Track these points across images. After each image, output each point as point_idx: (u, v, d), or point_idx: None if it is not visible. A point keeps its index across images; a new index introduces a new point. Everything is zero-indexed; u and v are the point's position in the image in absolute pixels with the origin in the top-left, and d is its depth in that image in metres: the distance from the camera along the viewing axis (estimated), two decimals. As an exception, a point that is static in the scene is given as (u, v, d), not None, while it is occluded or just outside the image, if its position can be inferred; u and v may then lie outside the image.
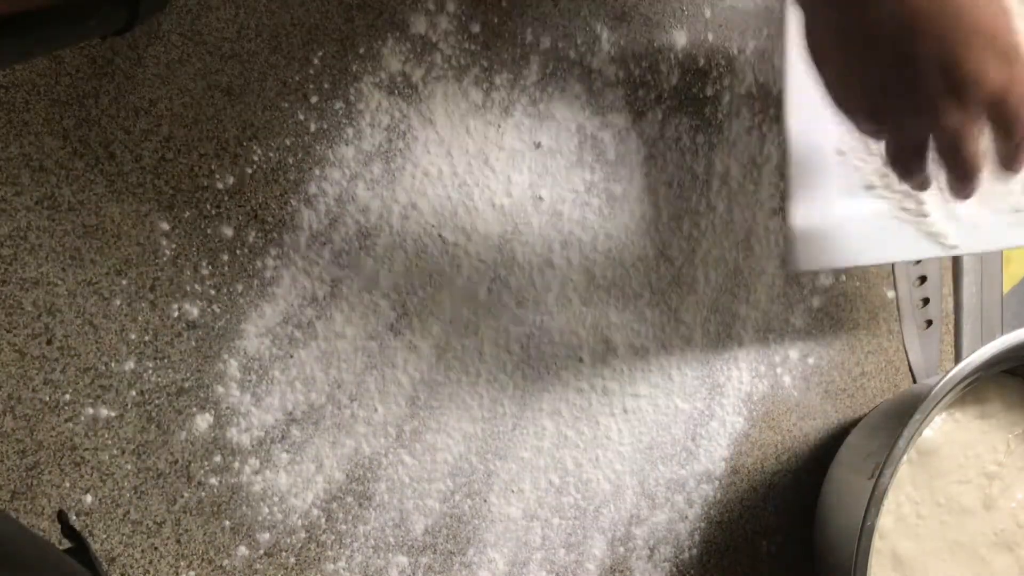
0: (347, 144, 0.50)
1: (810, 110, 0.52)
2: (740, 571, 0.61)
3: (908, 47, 0.34)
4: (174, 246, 0.47)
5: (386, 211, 0.51)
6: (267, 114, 0.48)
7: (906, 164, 0.38)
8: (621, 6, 0.56)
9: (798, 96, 0.52)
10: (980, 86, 0.34)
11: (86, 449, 0.46)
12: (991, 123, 0.35)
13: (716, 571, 0.60)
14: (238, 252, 0.48)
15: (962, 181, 0.37)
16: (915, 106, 0.35)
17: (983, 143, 0.36)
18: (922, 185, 0.39)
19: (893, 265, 0.64)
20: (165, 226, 0.46)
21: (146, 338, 0.46)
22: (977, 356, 0.53)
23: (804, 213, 0.53)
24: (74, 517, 0.45)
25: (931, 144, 0.37)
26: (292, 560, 0.50)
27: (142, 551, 0.47)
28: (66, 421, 0.45)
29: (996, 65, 0.34)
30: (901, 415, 0.53)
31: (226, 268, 0.48)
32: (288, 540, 0.50)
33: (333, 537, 0.51)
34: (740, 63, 0.59)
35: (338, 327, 0.50)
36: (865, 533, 0.51)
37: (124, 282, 0.46)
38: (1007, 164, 0.37)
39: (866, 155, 0.55)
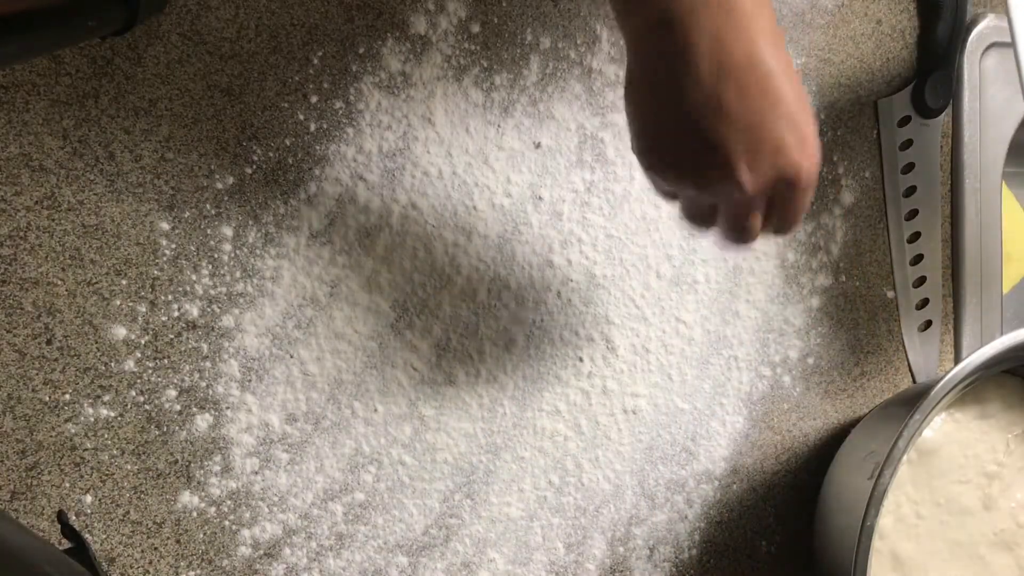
0: (347, 144, 0.50)
1: None
2: (740, 571, 0.61)
3: (717, 135, 0.37)
4: (174, 246, 0.47)
5: (386, 211, 0.51)
6: (267, 114, 0.48)
7: (698, 223, 0.42)
8: (621, 6, 0.56)
9: None
10: (778, 174, 0.37)
11: (86, 449, 0.46)
12: (776, 200, 0.39)
13: (716, 571, 0.60)
14: (238, 252, 0.48)
15: (736, 243, 0.42)
16: (713, 182, 0.38)
17: (760, 219, 0.41)
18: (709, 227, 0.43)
19: (892, 265, 0.64)
20: (165, 226, 0.46)
21: (146, 338, 0.46)
22: (977, 356, 0.53)
23: None
24: (74, 517, 0.45)
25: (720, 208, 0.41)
26: (292, 560, 0.50)
27: (142, 551, 0.47)
28: (66, 421, 0.45)
29: (794, 154, 0.37)
30: (901, 415, 0.53)
31: (226, 268, 0.48)
32: (288, 540, 0.50)
33: (333, 537, 0.51)
34: (740, 63, 0.59)
35: (338, 327, 0.50)
36: (865, 533, 0.51)
37: (124, 282, 0.46)
38: (780, 231, 0.41)
39: None
